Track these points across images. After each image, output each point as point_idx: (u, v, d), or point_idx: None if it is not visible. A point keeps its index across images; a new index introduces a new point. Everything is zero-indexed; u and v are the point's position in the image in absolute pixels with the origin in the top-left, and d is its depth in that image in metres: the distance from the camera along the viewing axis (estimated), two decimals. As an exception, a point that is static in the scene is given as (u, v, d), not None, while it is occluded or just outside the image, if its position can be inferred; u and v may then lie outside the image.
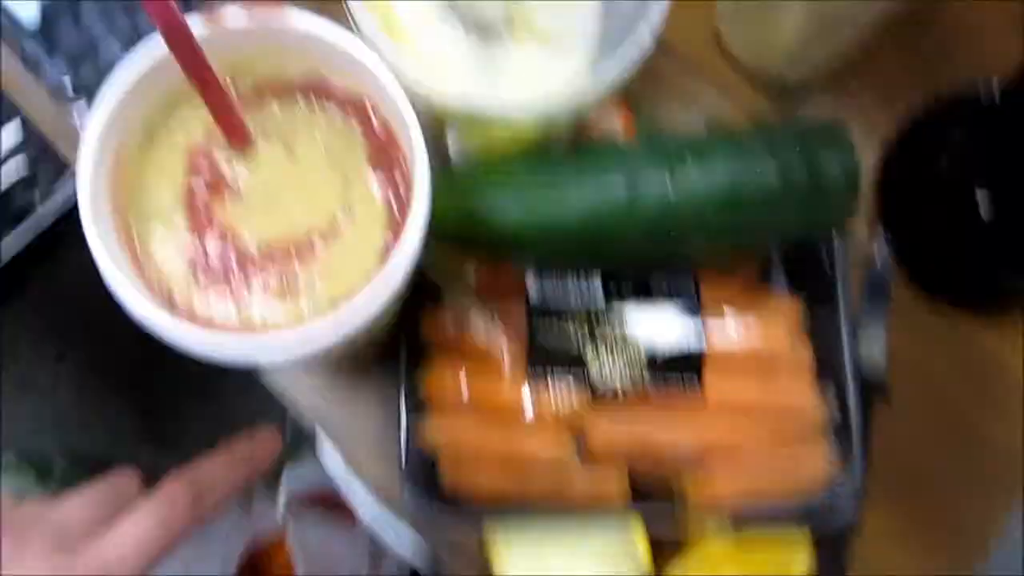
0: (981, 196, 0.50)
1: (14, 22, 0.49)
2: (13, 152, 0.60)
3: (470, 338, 0.46)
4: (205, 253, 0.31)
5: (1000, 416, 0.53)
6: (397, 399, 0.47)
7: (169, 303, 0.30)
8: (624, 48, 0.36)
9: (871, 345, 0.54)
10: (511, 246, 0.42)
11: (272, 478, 1.11)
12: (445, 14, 0.38)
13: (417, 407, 0.47)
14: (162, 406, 1.16)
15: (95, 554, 0.30)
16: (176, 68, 0.29)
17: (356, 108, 0.34)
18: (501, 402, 0.45)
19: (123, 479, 0.35)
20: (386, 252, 0.32)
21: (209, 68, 0.30)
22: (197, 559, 0.99)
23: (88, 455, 0.89)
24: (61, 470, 0.90)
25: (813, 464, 0.47)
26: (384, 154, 0.33)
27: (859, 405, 0.48)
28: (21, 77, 0.49)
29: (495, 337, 0.46)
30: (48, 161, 0.61)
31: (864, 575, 0.50)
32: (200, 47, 0.29)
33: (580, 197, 0.42)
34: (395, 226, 0.32)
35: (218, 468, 0.35)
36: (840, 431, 0.48)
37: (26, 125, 0.61)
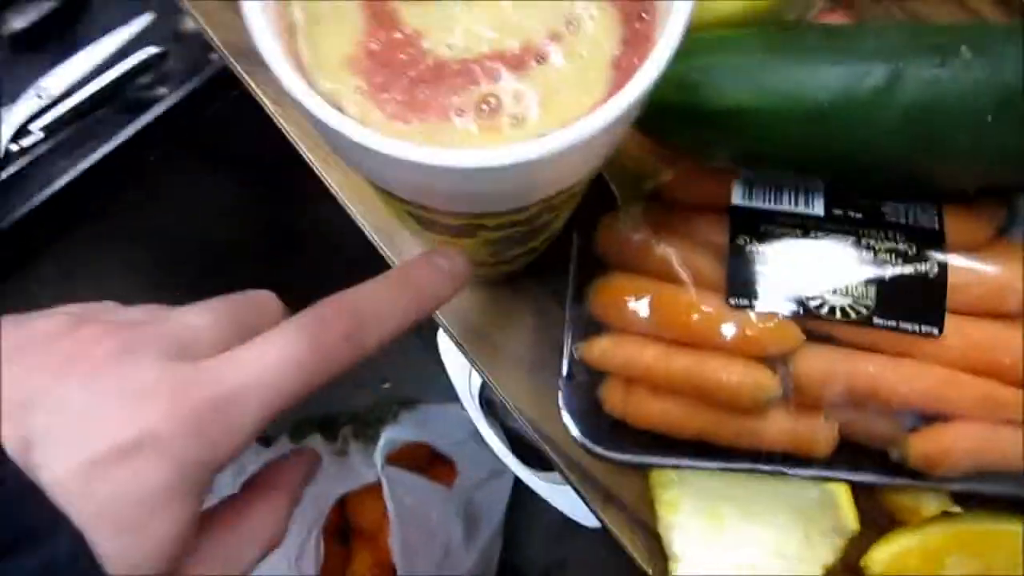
0: None
1: None
2: (140, 41, 0.56)
3: (655, 252, 0.39)
4: (385, 60, 0.25)
5: None
6: (562, 315, 0.40)
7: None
8: None
9: None
10: (733, 130, 0.34)
11: (371, 432, 1.07)
12: None
13: (585, 327, 0.40)
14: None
15: (222, 371, 0.23)
16: None
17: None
18: (691, 324, 0.37)
19: (263, 297, 0.27)
20: (616, 82, 0.25)
21: None
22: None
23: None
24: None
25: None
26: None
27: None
28: None
29: (686, 252, 0.38)
30: (179, 54, 0.57)
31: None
32: None
33: (828, 76, 0.33)
34: (631, 50, 0.25)
35: (385, 294, 0.26)
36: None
37: (161, 17, 0.57)
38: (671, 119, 0.35)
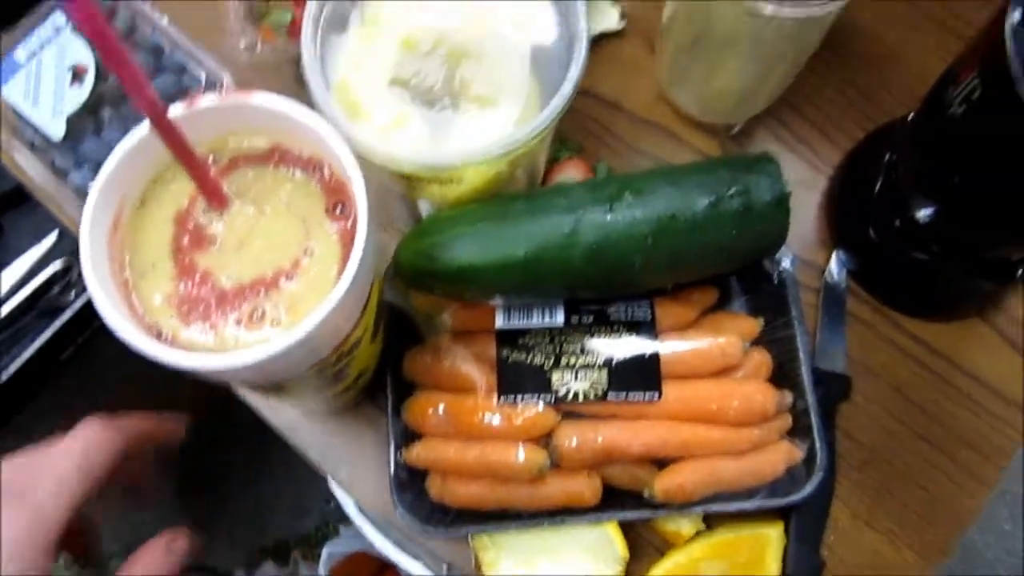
0: (919, 210, 0.54)
1: (45, 138, 0.57)
2: (50, 256, 0.69)
3: (447, 370, 0.51)
4: (188, 295, 0.38)
5: (962, 405, 0.56)
6: (387, 430, 0.52)
7: (158, 336, 0.37)
8: (552, 102, 0.43)
9: (831, 351, 0.58)
10: (470, 281, 0.48)
11: (318, 551, 1.16)
12: (396, 92, 0.45)
13: (405, 435, 0.52)
14: (206, 501, 1.24)
15: (35, 459, 0.40)
16: (161, 148, 0.36)
17: (315, 168, 0.40)
18: (477, 422, 0.50)
19: None
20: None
21: (188, 145, 0.36)
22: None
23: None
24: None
25: (774, 458, 0.51)
26: (338, 204, 0.39)
27: (817, 403, 0.52)
28: (51, 185, 0.57)
29: (469, 366, 0.51)
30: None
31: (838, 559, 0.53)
32: (180, 130, 0.36)
33: (527, 233, 0.47)
34: (346, 262, 0.38)
35: (132, 420, 0.44)
36: (803, 428, 0.52)
37: (64, 233, 0.70)
38: (426, 279, 0.48)
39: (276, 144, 0.40)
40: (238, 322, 0.37)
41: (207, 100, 0.38)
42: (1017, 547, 1.17)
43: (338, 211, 0.40)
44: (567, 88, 0.43)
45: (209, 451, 1.24)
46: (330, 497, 1.37)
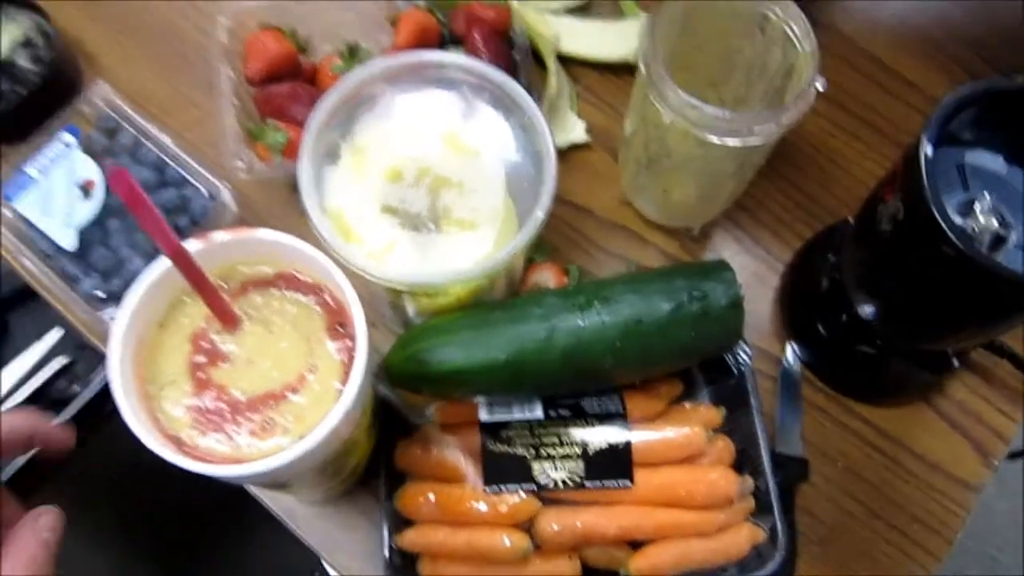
0: (861, 308, 0.59)
1: (56, 247, 0.61)
2: (55, 351, 0.73)
3: (436, 460, 0.56)
4: (205, 408, 0.42)
5: (912, 484, 0.61)
6: (380, 517, 0.56)
7: (178, 445, 0.41)
8: (525, 228, 0.48)
9: (789, 435, 0.62)
10: (456, 383, 0.52)
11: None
12: (385, 217, 0.50)
13: (398, 520, 0.56)
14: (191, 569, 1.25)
15: None
16: (179, 276, 0.41)
17: (316, 292, 0.45)
18: (465, 509, 0.54)
19: None
20: (340, 397, 0.42)
21: (204, 276, 0.41)
22: None
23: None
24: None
25: (739, 538, 0.55)
26: (338, 324, 0.44)
27: (777, 485, 0.56)
28: (62, 291, 0.61)
29: (456, 457, 0.55)
30: (85, 358, 0.74)
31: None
32: (195, 261, 0.40)
33: (507, 340, 0.52)
34: (347, 377, 0.42)
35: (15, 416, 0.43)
36: (766, 509, 0.56)
37: (68, 330, 0.74)
38: (415, 382, 0.53)
39: (281, 271, 0.45)
40: (251, 432, 0.41)
41: (219, 236, 0.43)
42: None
43: (338, 329, 0.44)
44: (539, 214, 0.48)
45: (193, 518, 1.26)
46: (315, 568, 1.39)
